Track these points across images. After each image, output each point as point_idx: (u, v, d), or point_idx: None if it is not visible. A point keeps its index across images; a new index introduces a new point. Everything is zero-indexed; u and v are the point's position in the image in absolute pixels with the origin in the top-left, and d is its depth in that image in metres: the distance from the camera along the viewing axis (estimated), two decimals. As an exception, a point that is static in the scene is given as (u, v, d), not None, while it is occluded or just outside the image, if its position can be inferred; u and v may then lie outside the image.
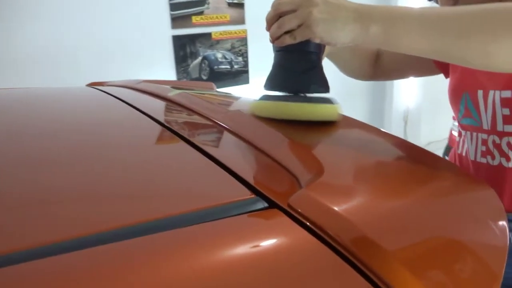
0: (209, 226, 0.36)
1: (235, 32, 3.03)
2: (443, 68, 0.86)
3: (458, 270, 0.37)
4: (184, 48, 2.98)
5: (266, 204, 0.41)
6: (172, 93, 0.84)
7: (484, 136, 0.74)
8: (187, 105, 0.76)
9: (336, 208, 0.38)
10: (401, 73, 0.98)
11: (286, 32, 0.58)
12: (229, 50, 3.05)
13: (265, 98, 0.66)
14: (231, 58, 3.06)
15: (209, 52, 3.00)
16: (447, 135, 3.98)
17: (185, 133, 0.61)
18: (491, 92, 0.70)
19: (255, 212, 0.39)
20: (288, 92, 0.65)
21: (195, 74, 3.04)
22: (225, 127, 0.63)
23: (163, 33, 2.81)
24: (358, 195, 0.45)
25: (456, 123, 0.84)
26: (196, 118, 0.70)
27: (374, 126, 0.67)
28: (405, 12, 0.54)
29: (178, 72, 3.00)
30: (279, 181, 0.47)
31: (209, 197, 0.42)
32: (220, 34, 2.99)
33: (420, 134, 3.76)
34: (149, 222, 0.36)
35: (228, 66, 3.05)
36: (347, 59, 0.92)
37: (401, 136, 3.65)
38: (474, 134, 0.76)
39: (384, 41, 0.55)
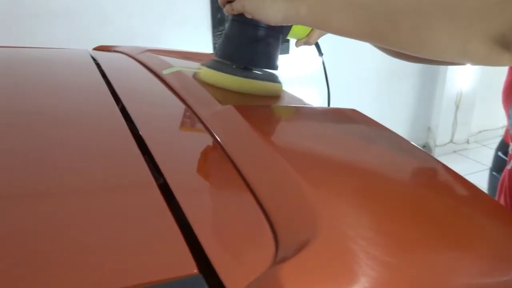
0: None
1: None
2: None
3: None
4: (222, 10, 2.79)
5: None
6: (166, 71, 0.69)
7: None
8: (174, 88, 0.60)
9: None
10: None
11: (230, 2, 0.60)
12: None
13: (211, 65, 0.67)
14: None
15: (248, 18, 2.81)
16: (501, 124, 3.63)
17: (143, 131, 0.45)
18: None
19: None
20: (231, 62, 0.66)
21: (231, 39, 2.86)
22: (206, 128, 0.47)
23: (201, -9, 2.64)
24: None
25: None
26: (173, 110, 0.54)
27: (404, 138, 0.49)
28: None
29: (214, 36, 2.83)
30: (247, 244, 0.31)
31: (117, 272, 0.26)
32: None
33: (472, 121, 3.45)
34: None
35: (268, 34, 2.85)
36: None
37: (451, 122, 3.34)
38: None
39: (313, 22, 0.53)
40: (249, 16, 0.58)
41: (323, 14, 0.51)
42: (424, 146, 3.46)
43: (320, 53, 0.80)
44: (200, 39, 2.81)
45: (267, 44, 0.65)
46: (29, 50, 0.90)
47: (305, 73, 2.82)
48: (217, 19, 2.81)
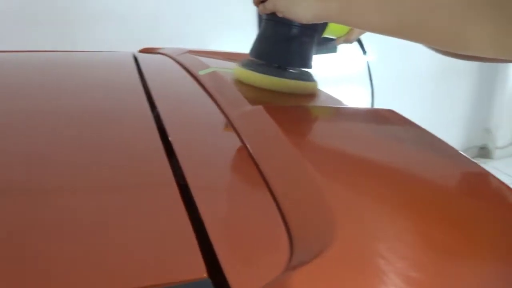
0: None
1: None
2: None
3: None
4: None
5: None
6: (202, 72, 0.69)
7: None
8: (207, 88, 0.61)
9: None
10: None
11: (263, 2, 0.60)
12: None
13: (245, 65, 0.67)
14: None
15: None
16: None
17: (171, 130, 0.45)
18: None
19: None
20: (265, 62, 0.66)
21: (278, 39, 2.86)
22: (234, 129, 0.47)
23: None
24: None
25: None
26: (203, 110, 0.54)
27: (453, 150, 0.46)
28: None
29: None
30: (261, 248, 0.30)
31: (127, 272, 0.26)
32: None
33: (536, 122, 3.21)
34: None
35: (315, 32, 2.81)
36: None
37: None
38: None
39: (344, 19, 0.53)
40: (280, 15, 0.58)
41: (352, 11, 0.50)
42: (482, 148, 3.27)
43: (364, 51, 0.78)
44: (247, 39, 2.82)
45: (300, 43, 0.65)
46: (77, 54, 0.94)
47: (351, 72, 2.75)
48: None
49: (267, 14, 0.63)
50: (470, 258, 0.31)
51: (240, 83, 0.66)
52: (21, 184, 0.35)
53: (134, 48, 1.25)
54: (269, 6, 0.59)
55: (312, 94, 0.67)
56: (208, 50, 0.98)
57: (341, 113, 0.56)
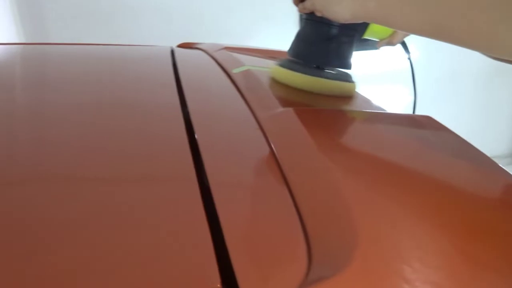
0: None
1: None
2: None
3: None
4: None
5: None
6: (235, 70, 0.69)
7: None
8: (239, 87, 0.60)
9: None
10: None
11: (302, 1, 0.61)
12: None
13: (283, 64, 0.66)
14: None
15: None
16: None
17: (198, 129, 0.45)
18: None
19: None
20: (304, 61, 0.65)
21: (319, 35, 2.82)
22: (262, 130, 0.46)
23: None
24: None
25: None
26: (232, 109, 0.54)
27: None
28: None
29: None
30: (278, 259, 0.29)
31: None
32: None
33: None
34: None
35: (357, 29, 2.75)
36: None
37: None
38: None
39: (382, 18, 0.52)
40: (319, 15, 0.58)
41: (390, 10, 0.49)
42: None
43: (407, 52, 0.75)
44: (288, 35, 2.80)
45: (339, 43, 0.64)
46: (117, 47, 0.96)
47: (394, 70, 2.66)
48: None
49: (306, 14, 0.63)
50: (506, 274, 0.29)
51: (277, 82, 0.65)
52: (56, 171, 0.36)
53: (175, 42, 1.27)
54: (307, 5, 0.59)
55: (350, 95, 0.65)
56: (245, 47, 0.98)
57: (374, 119, 0.54)
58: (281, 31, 2.75)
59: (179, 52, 0.90)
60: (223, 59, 0.78)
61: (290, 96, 0.62)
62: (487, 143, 3.31)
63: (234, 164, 0.40)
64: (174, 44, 1.20)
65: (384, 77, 2.72)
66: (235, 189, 0.37)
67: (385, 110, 0.58)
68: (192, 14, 2.48)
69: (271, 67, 0.69)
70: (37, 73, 0.71)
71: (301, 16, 0.67)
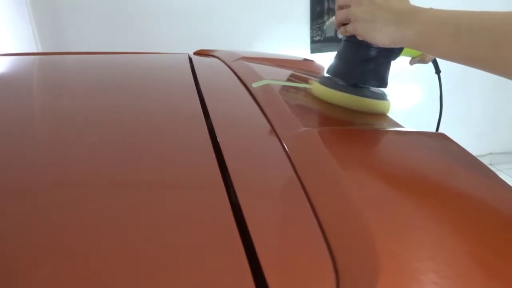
0: None
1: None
2: None
3: None
4: (321, 3, 2.76)
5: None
6: (255, 85, 0.72)
7: None
8: (259, 103, 0.63)
9: None
10: None
11: (344, 24, 0.65)
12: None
13: (322, 81, 0.71)
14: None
15: (347, 10, 2.74)
16: None
17: (223, 146, 0.48)
18: None
19: None
20: (342, 80, 0.70)
21: (330, 33, 2.83)
22: (284, 151, 0.49)
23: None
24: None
25: None
26: (254, 126, 0.57)
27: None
28: (445, 16, 0.52)
29: (312, 29, 2.82)
30: (306, 281, 0.33)
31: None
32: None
33: None
34: None
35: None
36: None
37: None
38: None
39: (419, 46, 0.55)
40: (360, 38, 0.62)
41: (429, 39, 0.53)
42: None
43: (438, 70, 0.78)
44: (299, 33, 2.81)
45: (377, 64, 0.68)
46: (138, 56, 1.00)
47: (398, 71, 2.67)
48: (316, 12, 2.79)
49: (347, 36, 0.67)
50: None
51: (298, 99, 0.69)
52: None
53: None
54: (350, 29, 0.63)
55: (385, 112, 0.70)
56: (260, 56, 1.01)
57: (389, 137, 0.57)
58: (292, 30, 2.77)
59: (197, 61, 0.93)
60: (241, 71, 0.81)
61: (331, 111, 0.67)
62: (498, 138, 3.31)
63: (261, 182, 0.43)
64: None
65: (408, 77, 2.72)
66: (265, 211, 0.40)
67: (401, 126, 0.61)
68: (202, 13, 2.50)
69: (309, 83, 0.74)
70: (62, 85, 0.75)
71: (341, 37, 0.71)
